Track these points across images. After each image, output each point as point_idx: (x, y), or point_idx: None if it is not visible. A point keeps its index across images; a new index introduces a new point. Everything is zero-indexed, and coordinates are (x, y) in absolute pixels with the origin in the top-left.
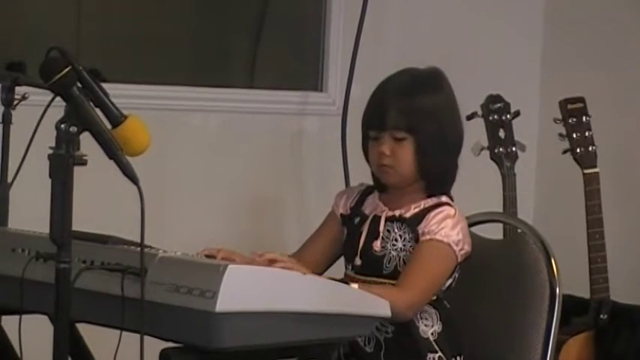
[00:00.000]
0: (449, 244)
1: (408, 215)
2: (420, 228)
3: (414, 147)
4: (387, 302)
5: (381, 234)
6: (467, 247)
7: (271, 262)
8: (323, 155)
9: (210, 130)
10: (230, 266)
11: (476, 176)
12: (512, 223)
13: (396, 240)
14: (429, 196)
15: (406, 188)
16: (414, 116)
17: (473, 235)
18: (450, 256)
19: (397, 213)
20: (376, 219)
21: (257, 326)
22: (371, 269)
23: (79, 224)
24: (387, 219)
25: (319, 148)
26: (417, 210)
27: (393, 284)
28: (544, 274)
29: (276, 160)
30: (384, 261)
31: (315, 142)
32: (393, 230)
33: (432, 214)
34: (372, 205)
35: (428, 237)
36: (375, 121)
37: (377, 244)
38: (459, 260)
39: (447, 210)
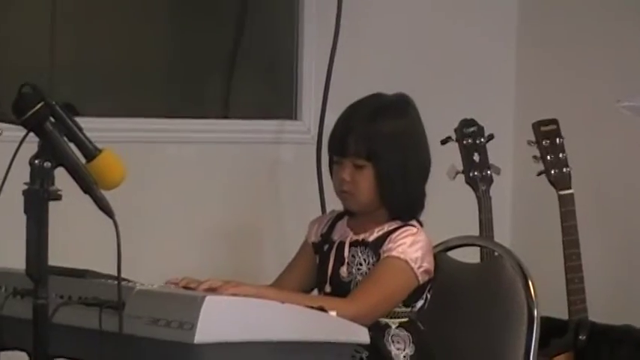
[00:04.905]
0: (406, 261)
1: (371, 239)
2: (382, 248)
3: (374, 174)
4: (365, 328)
5: (346, 259)
6: (426, 265)
7: (212, 290)
8: (299, 183)
9: (186, 161)
10: (208, 297)
11: (451, 200)
12: (489, 246)
13: (361, 264)
14: (394, 219)
15: (372, 213)
16: (374, 144)
17: (450, 260)
18: (407, 272)
19: (361, 237)
20: (342, 245)
21: (236, 356)
22: (340, 295)
23: (55, 259)
24: (352, 244)
25: (295, 176)
26: (380, 233)
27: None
28: (522, 297)
29: (252, 188)
30: (352, 286)
31: (291, 170)
32: (357, 254)
33: (395, 234)
34: (341, 230)
35: (386, 254)
36: (338, 146)
37: (344, 270)
38: (420, 278)
39: (409, 230)
